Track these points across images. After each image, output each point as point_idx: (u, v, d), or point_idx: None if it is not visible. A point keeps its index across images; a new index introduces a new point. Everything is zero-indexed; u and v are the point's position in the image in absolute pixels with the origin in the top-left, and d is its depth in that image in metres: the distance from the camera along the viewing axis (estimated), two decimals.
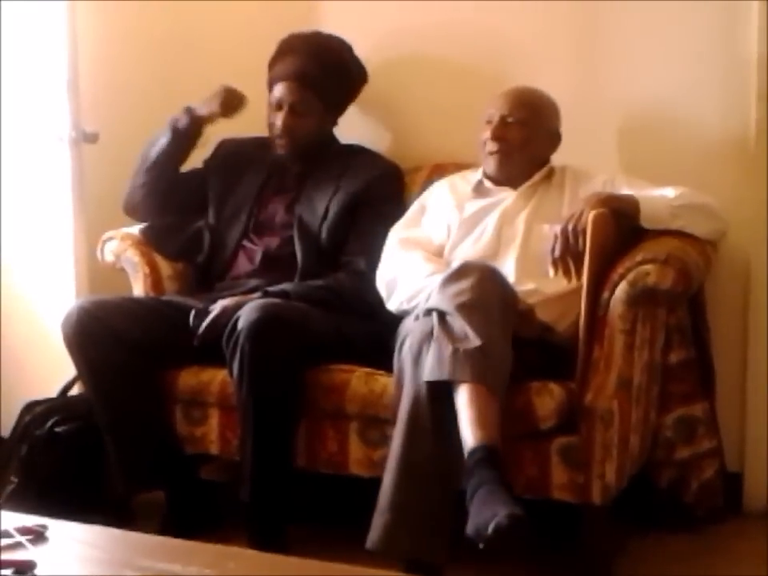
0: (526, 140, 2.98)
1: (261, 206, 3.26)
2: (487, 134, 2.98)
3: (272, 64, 3.25)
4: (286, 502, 2.85)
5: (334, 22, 3.38)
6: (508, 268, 2.86)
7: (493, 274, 2.67)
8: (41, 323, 3.51)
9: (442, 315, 2.56)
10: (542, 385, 2.65)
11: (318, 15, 3.45)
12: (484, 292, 2.57)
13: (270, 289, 2.98)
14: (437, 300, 2.60)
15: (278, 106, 3.19)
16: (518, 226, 2.93)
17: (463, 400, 2.47)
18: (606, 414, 2.62)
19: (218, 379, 2.92)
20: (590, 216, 2.69)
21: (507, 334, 2.57)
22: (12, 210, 3.61)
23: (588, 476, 2.62)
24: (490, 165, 3.00)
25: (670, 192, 2.84)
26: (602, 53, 3.24)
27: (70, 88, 3.45)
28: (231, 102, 3.19)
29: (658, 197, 2.82)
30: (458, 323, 2.52)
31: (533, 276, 2.84)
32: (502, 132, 2.96)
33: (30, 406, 3.19)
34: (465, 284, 2.57)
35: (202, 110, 3.21)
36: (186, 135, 3.22)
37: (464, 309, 2.53)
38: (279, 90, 3.19)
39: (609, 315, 2.70)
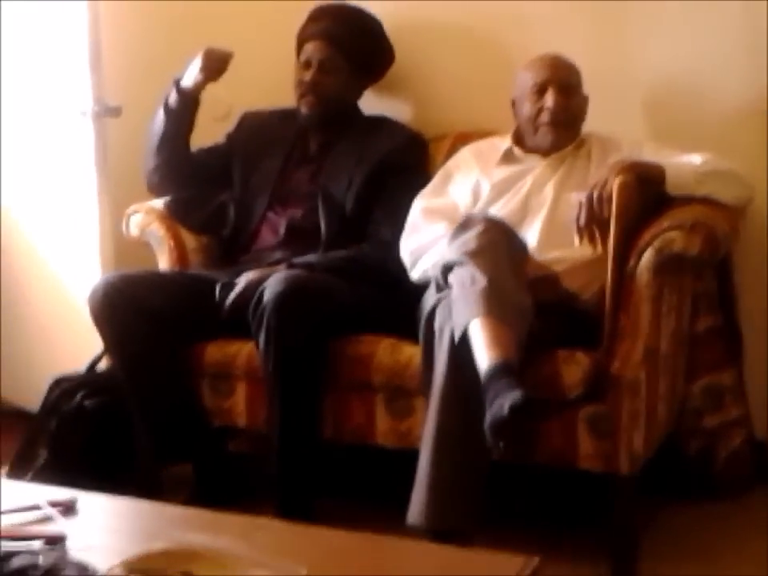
0: (580, 107, 2.98)
1: (285, 178, 3.26)
2: (545, 103, 2.92)
3: (302, 29, 3.25)
4: (314, 473, 2.86)
5: None
6: (533, 235, 2.85)
7: (497, 222, 2.69)
8: (68, 298, 3.53)
9: (451, 268, 2.58)
10: (568, 353, 2.64)
11: None
12: (489, 238, 2.59)
13: (296, 260, 2.98)
14: (447, 254, 2.63)
15: (307, 64, 3.20)
16: (547, 194, 2.92)
17: (477, 333, 2.47)
18: (633, 382, 2.61)
19: (244, 352, 2.92)
20: (616, 184, 2.68)
21: (517, 273, 2.58)
22: (37, 185, 3.62)
23: (615, 445, 2.61)
24: (549, 136, 2.95)
25: (696, 159, 2.82)
26: (626, 21, 3.21)
27: (93, 63, 3.44)
28: (212, 66, 3.16)
29: (684, 163, 2.80)
30: (467, 270, 2.53)
31: (558, 244, 2.83)
32: (564, 101, 2.92)
33: (59, 381, 3.21)
34: (471, 233, 2.60)
35: (188, 82, 3.18)
36: (180, 112, 3.20)
37: (470, 255, 2.55)
38: (308, 48, 3.20)
39: (635, 283, 2.68)
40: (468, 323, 2.49)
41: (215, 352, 2.98)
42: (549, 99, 2.92)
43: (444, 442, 2.52)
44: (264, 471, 2.87)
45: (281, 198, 3.24)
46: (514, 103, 3.03)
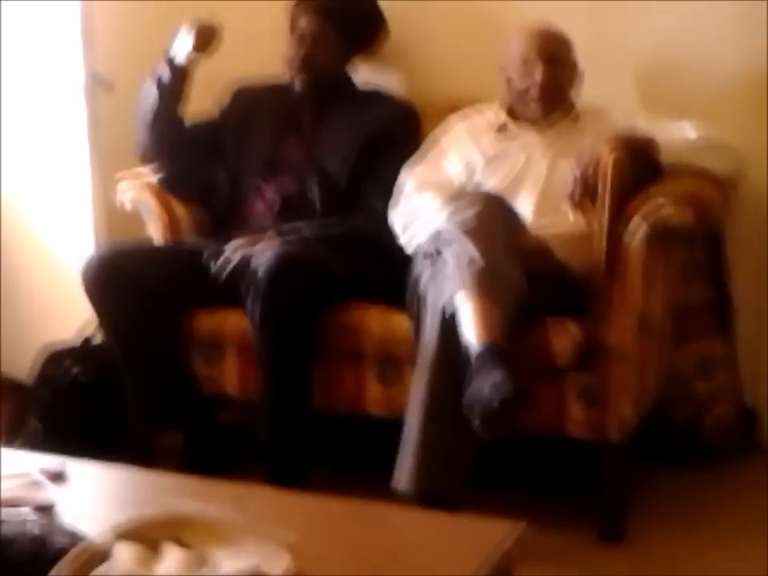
0: (568, 79, 2.98)
1: (278, 150, 3.25)
2: (535, 77, 2.92)
3: (296, 4, 3.24)
4: (305, 441, 2.88)
5: None
6: (527, 206, 2.85)
7: (496, 200, 2.70)
8: (60, 270, 3.53)
9: (447, 243, 2.58)
10: (558, 322, 2.65)
11: None
12: (489, 217, 2.59)
13: (284, 227, 2.98)
14: (443, 229, 2.63)
15: (301, 39, 3.19)
16: (541, 166, 2.92)
17: (467, 312, 2.48)
18: (622, 351, 2.63)
19: (234, 320, 2.92)
20: (610, 159, 2.68)
21: (513, 254, 2.58)
22: (30, 159, 3.62)
23: (605, 413, 2.63)
24: (538, 110, 2.95)
25: (689, 131, 2.82)
26: None
27: (85, 37, 3.44)
28: (205, 40, 3.12)
29: (677, 136, 2.81)
30: (464, 248, 2.53)
31: (552, 215, 2.83)
32: (552, 75, 2.92)
33: (53, 353, 3.22)
34: (470, 212, 2.60)
35: (181, 58, 3.14)
36: (174, 89, 3.17)
37: (469, 234, 2.55)
38: (302, 23, 3.19)
39: (627, 253, 2.69)
40: (461, 302, 2.50)
41: (206, 321, 2.98)
42: (537, 74, 2.91)
43: (432, 409, 2.53)
44: (255, 439, 2.89)
45: (273, 170, 3.23)
46: (502, 70, 3.02)
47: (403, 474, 2.54)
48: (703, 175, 2.79)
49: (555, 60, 2.93)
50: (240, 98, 3.35)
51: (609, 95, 3.09)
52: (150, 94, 3.20)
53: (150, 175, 3.29)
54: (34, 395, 3.16)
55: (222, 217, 3.27)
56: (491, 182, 2.94)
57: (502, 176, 2.94)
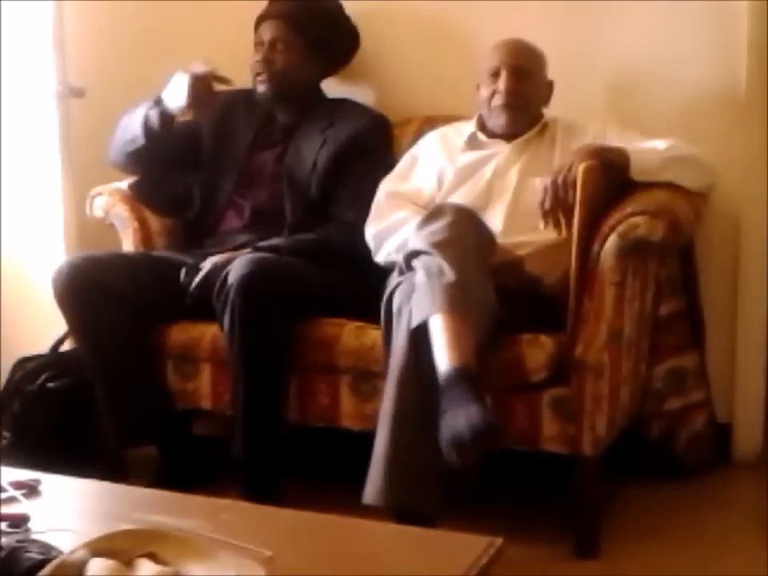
0: (534, 92, 2.98)
1: (250, 160, 3.25)
2: (498, 86, 2.94)
3: (262, 12, 3.24)
4: (279, 455, 2.86)
5: None
6: (497, 220, 2.86)
7: (467, 213, 2.69)
8: (31, 280, 3.50)
9: (417, 255, 2.58)
10: (533, 337, 2.65)
11: None
12: (458, 230, 2.59)
13: (261, 244, 2.97)
14: (414, 241, 2.63)
15: (260, 44, 3.20)
16: (511, 179, 2.93)
17: (437, 330, 2.47)
18: (596, 365, 2.63)
19: (209, 334, 2.92)
20: (580, 169, 2.69)
21: (484, 270, 2.58)
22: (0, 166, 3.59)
23: (578, 427, 2.63)
24: (501, 118, 2.97)
25: (660, 144, 2.83)
26: (590, 5, 3.20)
27: (56, 43, 3.43)
28: (200, 99, 3.07)
29: (648, 149, 2.82)
30: (434, 260, 2.53)
31: (522, 229, 2.84)
32: (515, 84, 2.94)
33: (22, 362, 3.20)
34: (440, 224, 2.59)
35: (172, 106, 3.09)
36: (158, 135, 3.12)
37: (439, 246, 2.55)
38: (263, 28, 3.20)
39: (599, 267, 2.69)
40: (430, 316, 2.49)
41: (180, 334, 2.97)
42: (500, 83, 2.94)
43: (401, 422, 2.52)
44: (229, 453, 2.87)
45: (246, 180, 3.23)
46: (477, 87, 3.03)
47: (372, 487, 2.53)
48: (675, 188, 2.80)
49: (519, 70, 2.95)
50: (215, 105, 3.33)
51: (582, 110, 3.11)
52: (133, 130, 3.15)
53: (123, 187, 3.28)
54: (5, 406, 3.13)
55: (195, 227, 3.26)
56: (460, 194, 2.94)
57: (471, 187, 2.94)
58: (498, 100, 2.95)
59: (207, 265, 2.93)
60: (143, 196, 3.27)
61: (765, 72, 3.02)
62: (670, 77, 3.14)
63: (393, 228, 2.92)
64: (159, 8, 3.58)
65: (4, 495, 1.85)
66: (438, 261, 2.52)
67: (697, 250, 3.09)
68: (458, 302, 2.48)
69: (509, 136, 2.99)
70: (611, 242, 2.68)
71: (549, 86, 3.03)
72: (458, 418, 2.35)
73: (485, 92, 2.98)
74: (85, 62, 3.52)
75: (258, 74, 3.20)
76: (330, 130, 3.18)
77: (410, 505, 2.53)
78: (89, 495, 2.00)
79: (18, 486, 1.89)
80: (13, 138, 3.58)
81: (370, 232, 2.98)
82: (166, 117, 3.10)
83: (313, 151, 3.16)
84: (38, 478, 1.93)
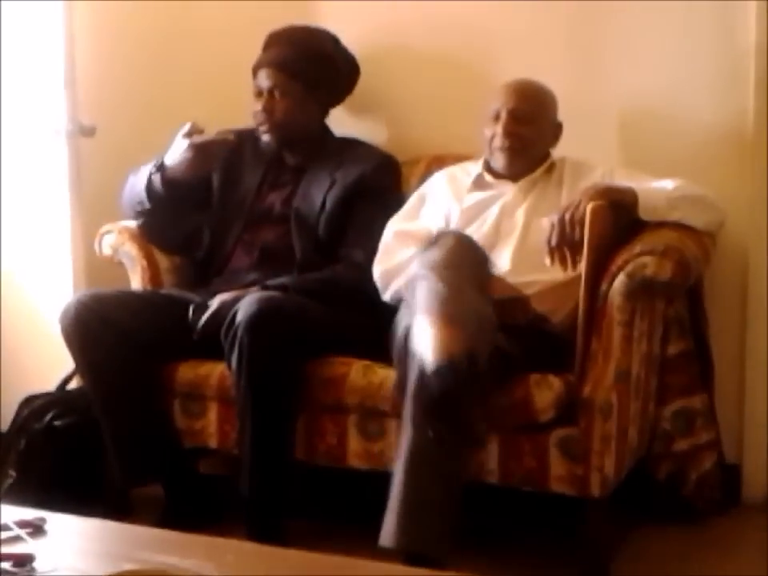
0: (536, 135, 2.99)
1: (260, 200, 3.26)
2: (496, 129, 2.97)
3: (257, 59, 3.25)
4: (285, 495, 2.84)
5: (329, 17, 3.38)
6: (504, 259, 2.86)
7: (465, 238, 2.71)
8: (39, 317, 3.51)
9: (417, 282, 2.58)
10: (541, 377, 2.65)
11: (313, 11, 3.44)
12: (455, 254, 2.60)
13: (269, 282, 2.97)
14: (414, 269, 2.64)
15: (258, 94, 3.21)
16: (517, 219, 2.93)
17: (427, 335, 2.44)
18: (604, 405, 2.62)
19: (216, 372, 2.91)
20: (588, 207, 2.69)
21: (481, 289, 2.59)
22: (10, 203, 3.60)
23: (587, 468, 2.62)
24: (500, 160, 3.00)
25: (668, 184, 2.84)
26: (599, 45, 3.23)
27: (67, 81, 3.45)
28: (200, 162, 3.10)
29: (656, 189, 2.82)
30: (431, 282, 2.53)
31: (530, 268, 2.84)
32: (513, 128, 2.95)
33: (29, 400, 3.19)
34: (437, 250, 2.61)
35: (174, 171, 3.11)
36: (162, 198, 3.15)
37: (436, 269, 2.55)
38: (260, 77, 3.21)
39: (607, 307, 2.69)
40: (422, 326, 2.47)
41: (187, 372, 2.97)
42: (499, 125, 2.96)
43: (418, 464, 2.50)
44: (234, 493, 2.86)
45: (255, 220, 3.24)
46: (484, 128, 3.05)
47: (389, 529, 2.50)
48: (683, 228, 2.80)
49: (519, 113, 2.96)
50: (227, 148, 3.34)
51: (590, 149, 3.11)
52: (138, 191, 3.18)
53: (131, 225, 3.29)
54: (11, 444, 3.12)
55: (204, 266, 3.26)
56: (468, 233, 2.92)
57: (478, 227, 2.95)
58: (496, 142, 2.98)
59: (215, 303, 2.93)
60: (152, 235, 3.27)
61: None
62: (677, 116, 3.14)
63: (400, 267, 2.92)
64: (170, 49, 3.60)
65: (9, 534, 1.84)
66: (432, 282, 2.52)
67: (705, 291, 3.08)
68: (451, 314, 2.46)
69: (515, 176, 3.00)
70: (619, 281, 2.68)
71: (557, 127, 3.04)
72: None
73: (488, 133, 3.01)
74: (96, 101, 3.54)
75: (260, 125, 3.22)
76: (339, 171, 3.19)
77: (425, 548, 2.49)
78: (94, 534, 1.99)
79: (22, 524, 1.88)
80: (23, 175, 3.60)
81: (378, 271, 2.99)
82: (167, 179, 3.12)
83: (321, 192, 3.17)
84: (44, 517, 1.92)
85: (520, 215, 2.94)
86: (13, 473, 3.09)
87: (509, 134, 2.95)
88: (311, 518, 2.95)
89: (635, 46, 3.17)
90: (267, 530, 2.79)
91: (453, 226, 2.98)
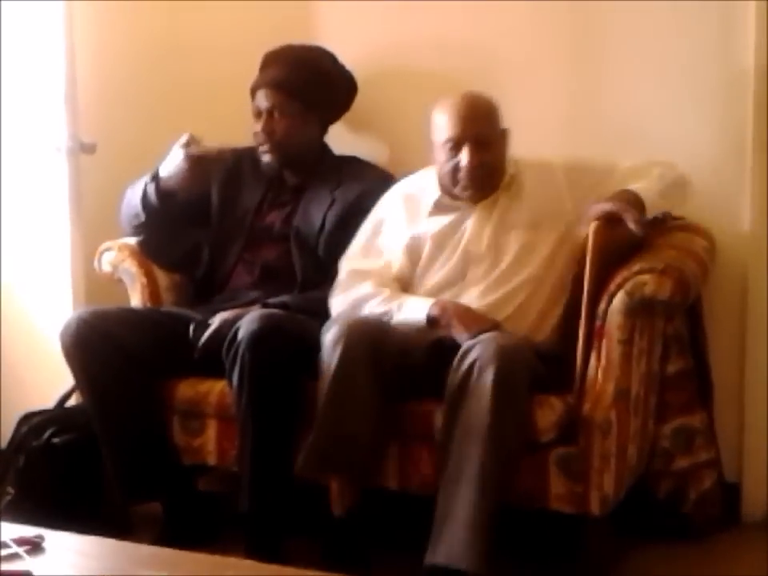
0: (499, 156, 2.91)
1: (260, 219, 3.26)
2: (460, 161, 2.85)
3: (255, 79, 3.26)
4: (285, 513, 2.84)
5: (329, 37, 3.39)
6: (475, 285, 2.85)
7: (354, 330, 2.70)
8: (39, 334, 3.51)
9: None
10: (543, 398, 2.64)
11: (314, 30, 3.46)
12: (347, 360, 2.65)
13: (270, 301, 2.98)
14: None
15: (258, 114, 3.21)
16: (484, 240, 2.90)
17: None
18: (604, 424, 2.62)
19: (216, 390, 2.91)
20: (591, 228, 2.69)
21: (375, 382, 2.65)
22: (10, 220, 3.61)
23: (586, 486, 2.61)
24: (467, 191, 2.90)
25: (653, 170, 2.84)
26: (599, 66, 3.23)
27: (68, 99, 3.45)
28: (198, 175, 3.13)
29: (647, 188, 2.79)
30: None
31: (500, 288, 2.84)
32: (478, 159, 2.85)
33: (28, 417, 3.19)
34: (333, 347, 2.66)
35: (169, 181, 3.14)
36: (157, 210, 3.17)
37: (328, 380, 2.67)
38: (258, 97, 3.21)
39: (606, 325, 2.69)
40: None
41: (187, 389, 2.97)
42: (464, 158, 2.85)
43: (488, 482, 2.52)
44: (234, 510, 2.85)
45: (256, 239, 3.24)
46: (432, 144, 2.95)
47: (455, 549, 2.50)
48: (682, 247, 2.81)
49: (481, 139, 2.85)
50: (222, 164, 3.35)
51: None
52: (135, 204, 3.20)
53: (131, 242, 3.29)
54: (10, 462, 3.11)
55: (204, 284, 3.27)
56: (438, 265, 2.92)
57: (448, 257, 2.91)
58: (463, 175, 2.87)
59: (216, 320, 2.93)
60: (152, 253, 3.28)
61: None
62: (677, 137, 3.14)
63: (357, 305, 2.90)
64: (171, 67, 3.61)
65: (7, 552, 1.84)
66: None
67: (704, 309, 3.08)
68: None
69: (475, 197, 2.93)
70: (619, 299, 2.68)
71: (507, 136, 2.94)
72: None
73: (445, 162, 2.89)
74: (96, 119, 3.54)
75: (261, 145, 3.22)
76: (338, 190, 3.19)
77: (489, 567, 2.50)
78: (92, 552, 1.99)
79: (21, 542, 1.87)
80: (24, 192, 3.60)
81: (334, 304, 2.96)
82: (162, 191, 3.14)
83: (321, 211, 3.17)
84: (42, 535, 1.92)
85: (486, 237, 2.90)
86: (11, 490, 3.08)
87: (475, 166, 2.85)
88: (310, 536, 2.94)
89: (636, 68, 3.17)
90: (267, 547, 2.78)
91: (424, 256, 2.93)
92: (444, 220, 2.95)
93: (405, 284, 2.97)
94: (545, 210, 2.89)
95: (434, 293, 2.89)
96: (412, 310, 2.82)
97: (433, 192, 2.98)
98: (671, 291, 2.66)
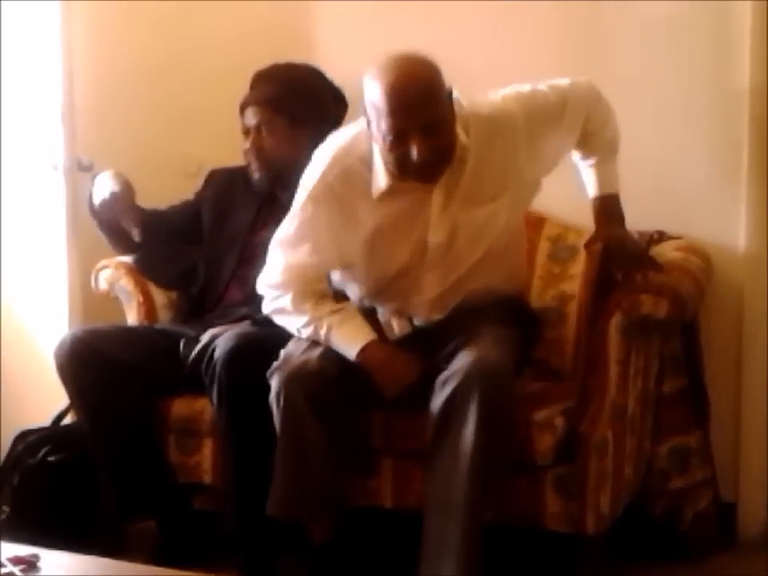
0: (449, 133, 2.56)
1: (252, 236, 3.26)
2: (411, 153, 2.50)
3: (243, 99, 3.27)
4: (273, 531, 2.80)
5: (323, 55, 3.41)
6: (433, 275, 2.74)
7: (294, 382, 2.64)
8: (37, 352, 3.51)
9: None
10: (544, 420, 2.62)
11: (308, 48, 3.46)
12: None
13: (258, 316, 2.98)
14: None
15: (246, 132, 3.21)
16: (442, 225, 2.69)
17: None
18: (600, 443, 2.62)
19: (210, 408, 2.90)
20: (586, 250, 2.70)
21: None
22: (8, 238, 3.61)
23: (582, 506, 2.60)
24: (419, 178, 2.60)
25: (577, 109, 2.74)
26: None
27: (65, 118, 3.47)
28: (117, 215, 3.12)
29: (610, 161, 2.81)
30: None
31: (460, 270, 2.74)
32: (428, 146, 2.51)
33: (23, 435, 3.19)
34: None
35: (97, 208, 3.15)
36: (103, 229, 3.21)
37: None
38: (247, 115, 3.21)
39: (603, 344, 2.69)
40: None
41: (182, 408, 2.97)
42: (414, 151, 2.50)
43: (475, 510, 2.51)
44: (225, 528, 2.85)
45: (249, 256, 3.24)
46: (368, 125, 2.60)
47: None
48: (679, 266, 2.81)
49: (429, 126, 2.50)
50: (214, 181, 3.36)
51: (575, 195, 3.00)
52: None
53: (127, 260, 3.30)
54: (5, 480, 3.11)
55: (200, 301, 3.27)
56: (388, 254, 2.74)
57: (402, 244, 2.72)
58: (414, 167, 2.53)
59: (206, 337, 2.93)
60: (147, 271, 3.29)
61: (766, 153, 3.05)
62: (672, 158, 3.15)
63: (287, 324, 2.81)
64: (168, 86, 3.62)
65: (2, 571, 1.84)
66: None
67: (700, 328, 3.09)
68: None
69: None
70: (615, 319, 2.68)
71: (451, 98, 2.58)
72: None
73: (386, 147, 2.54)
74: (94, 138, 3.55)
75: (250, 163, 3.22)
76: None
77: None
78: (87, 571, 1.99)
79: (16, 561, 1.87)
80: (21, 210, 3.61)
81: (260, 286, 2.84)
82: (97, 216, 3.17)
83: None
84: (37, 554, 1.92)
85: (444, 220, 2.68)
86: (6, 508, 3.08)
87: (426, 153, 2.50)
88: (304, 557, 2.94)
89: (631, 89, 3.15)
90: (258, 567, 2.77)
91: (376, 243, 2.71)
92: (396, 207, 2.67)
93: (352, 277, 2.84)
94: (501, 174, 2.67)
95: (389, 280, 2.77)
96: (341, 348, 2.71)
97: (378, 176, 2.65)
98: (667, 311, 2.66)
